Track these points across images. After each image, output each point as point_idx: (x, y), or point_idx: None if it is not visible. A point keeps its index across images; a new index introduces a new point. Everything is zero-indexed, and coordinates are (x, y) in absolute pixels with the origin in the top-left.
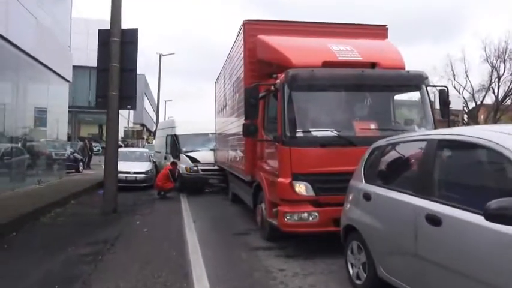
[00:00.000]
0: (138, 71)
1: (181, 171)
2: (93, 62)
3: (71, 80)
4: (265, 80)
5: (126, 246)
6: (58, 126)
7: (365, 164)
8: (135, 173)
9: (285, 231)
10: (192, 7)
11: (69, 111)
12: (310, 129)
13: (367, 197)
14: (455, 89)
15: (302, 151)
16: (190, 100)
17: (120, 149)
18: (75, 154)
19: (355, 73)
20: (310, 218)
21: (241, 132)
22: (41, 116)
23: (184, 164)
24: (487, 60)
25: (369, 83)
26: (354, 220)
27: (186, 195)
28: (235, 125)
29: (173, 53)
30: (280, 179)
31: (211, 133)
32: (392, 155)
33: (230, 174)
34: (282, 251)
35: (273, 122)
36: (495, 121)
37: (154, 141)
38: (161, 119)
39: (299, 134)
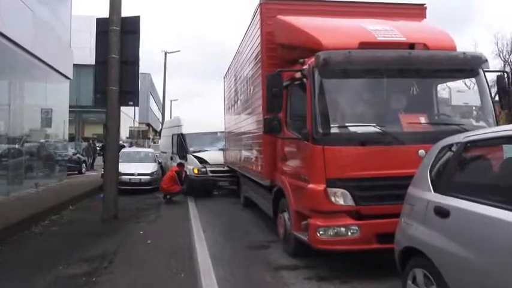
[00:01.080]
0: (143, 70)
1: (188, 173)
2: None
3: (71, 77)
4: (288, 67)
5: (126, 264)
6: (59, 126)
7: (431, 168)
8: (139, 174)
9: (318, 248)
10: (200, 7)
11: (73, 111)
12: (348, 124)
13: (443, 212)
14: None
15: (339, 151)
16: (196, 100)
17: (123, 150)
18: (78, 155)
19: (402, 55)
20: (349, 233)
21: (257, 130)
22: (40, 116)
23: (191, 165)
24: (499, 55)
25: (417, 66)
26: (420, 242)
27: (194, 199)
28: (249, 121)
29: (178, 51)
30: (311, 186)
31: (220, 132)
32: (479, 156)
33: (242, 177)
34: (312, 271)
35: (299, 117)
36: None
37: (159, 141)
38: (167, 118)
39: (334, 129)
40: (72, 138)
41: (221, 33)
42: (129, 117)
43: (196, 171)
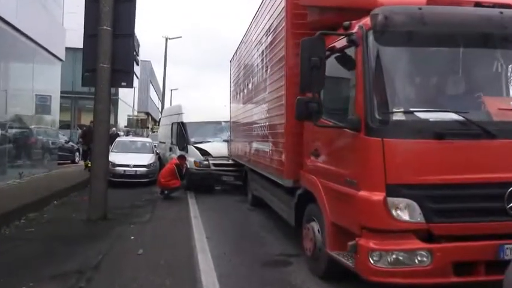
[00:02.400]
0: (143, 58)
1: (188, 166)
2: None
3: (63, 58)
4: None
5: (109, 283)
6: (49, 112)
7: None
8: (135, 166)
9: (370, 280)
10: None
11: (68, 97)
12: (416, 109)
13: None
14: None
15: (404, 146)
16: (197, 91)
17: (118, 138)
18: (71, 143)
19: (490, 15)
20: (417, 261)
21: (277, 117)
22: (27, 100)
23: (192, 157)
24: None
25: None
26: None
27: (194, 195)
28: (264, 108)
29: (180, 37)
30: (362, 193)
31: (225, 121)
32: None
33: (251, 172)
34: None
35: (341, 99)
36: None
37: (158, 130)
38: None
39: (397, 116)
40: (67, 125)
41: (224, 25)
42: (128, 106)
43: (197, 164)
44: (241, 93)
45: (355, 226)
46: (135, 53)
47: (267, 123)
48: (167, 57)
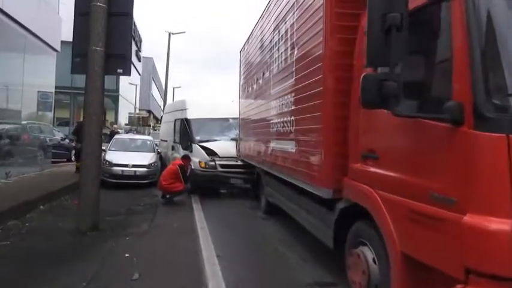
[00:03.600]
0: (146, 54)
1: (193, 167)
2: None
3: (59, 49)
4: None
5: None
6: (44, 107)
7: None
8: (134, 166)
9: None
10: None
11: (67, 93)
12: None
13: None
14: None
15: None
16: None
17: (117, 136)
18: (68, 140)
19: None
20: None
21: (312, 107)
22: (18, 94)
23: (197, 157)
24: None
25: None
26: None
27: (199, 199)
28: (288, 99)
29: (184, 32)
30: (470, 219)
31: (232, 118)
32: None
33: (266, 175)
34: None
35: (427, 77)
36: None
37: (160, 128)
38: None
39: None
40: (66, 122)
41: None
42: (129, 103)
43: (203, 164)
44: (255, 86)
45: (454, 267)
46: (136, 48)
47: (293, 118)
48: (170, 55)
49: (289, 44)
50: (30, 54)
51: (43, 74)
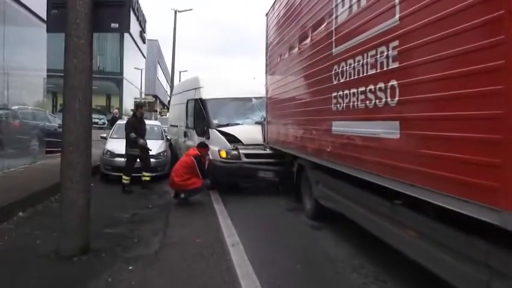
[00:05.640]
0: (151, 37)
1: (211, 157)
2: None
3: None
4: None
5: None
6: (32, 90)
7: None
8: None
9: None
10: None
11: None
12: None
13: None
14: None
15: None
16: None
17: (119, 122)
18: None
19: None
20: None
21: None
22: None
23: (216, 145)
24: None
25: None
26: None
27: (220, 197)
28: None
29: (191, 9)
30: None
31: (256, 97)
32: None
33: (316, 170)
34: None
35: None
36: None
37: (168, 113)
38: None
39: None
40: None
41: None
42: (135, 87)
43: (223, 154)
44: (298, 51)
45: None
46: (141, 29)
47: (398, 82)
48: (176, 36)
49: None
50: (11, 25)
51: (30, 51)
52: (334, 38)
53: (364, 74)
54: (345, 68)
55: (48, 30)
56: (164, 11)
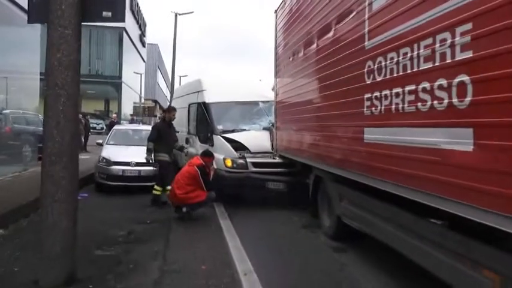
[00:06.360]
0: (151, 41)
1: (216, 166)
2: None
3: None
4: None
5: None
6: (23, 93)
7: None
8: (137, 164)
9: None
10: None
11: None
12: None
13: None
14: None
15: None
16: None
17: (116, 127)
18: None
19: None
20: None
21: None
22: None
23: (221, 153)
24: None
25: None
26: None
27: (226, 210)
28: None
29: (191, 12)
30: None
31: (263, 101)
32: None
33: (337, 183)
34: None
35: None
36: None
37: None
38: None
39: None
40: None
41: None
42: (134, 92)
43: (229, 163)
44: (316, 46)
45: None
46: (140, 32)
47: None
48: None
49: None
50: (5, 26)
51: (22, 51)
52: (367, 29)
53: (414, 70)
54: (383, 64)
55: (29, 21)
56: (164, 17)
